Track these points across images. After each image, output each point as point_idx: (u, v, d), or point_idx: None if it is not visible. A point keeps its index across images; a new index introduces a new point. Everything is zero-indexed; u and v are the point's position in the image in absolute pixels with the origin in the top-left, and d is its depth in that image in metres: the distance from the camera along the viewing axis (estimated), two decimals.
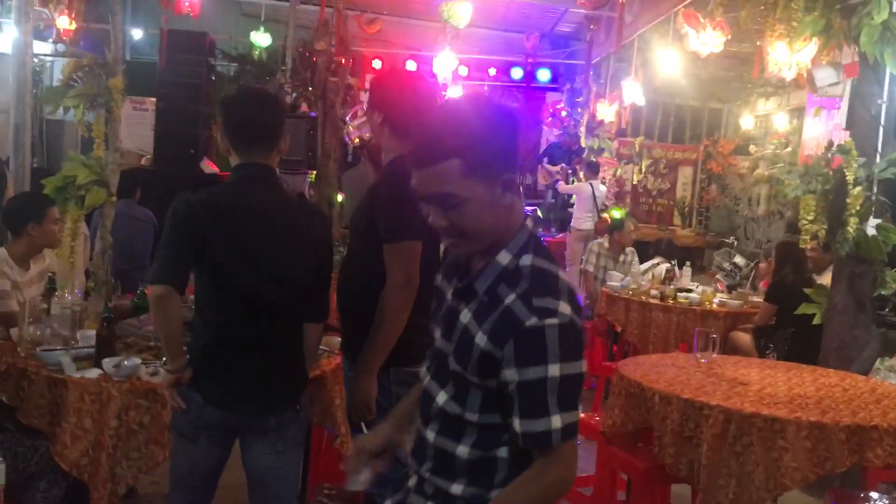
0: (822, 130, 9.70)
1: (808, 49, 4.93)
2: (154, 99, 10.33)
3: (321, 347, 3.34)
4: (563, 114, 13.13)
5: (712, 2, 6.87)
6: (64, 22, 8.94)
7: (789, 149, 11.29)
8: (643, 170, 13.34)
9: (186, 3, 6.92)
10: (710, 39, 6.73)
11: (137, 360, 2.89)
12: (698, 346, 4.02)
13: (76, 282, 4.92)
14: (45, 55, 12.21)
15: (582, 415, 4.45)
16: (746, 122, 12.81)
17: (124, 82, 4.76)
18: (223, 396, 2.45)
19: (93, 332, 3.11)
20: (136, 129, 11.74)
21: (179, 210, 2.42)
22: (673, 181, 13.79)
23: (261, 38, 10.11)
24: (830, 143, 4.43)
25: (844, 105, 5.17)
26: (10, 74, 5.21)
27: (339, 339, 3.12)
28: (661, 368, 3.80)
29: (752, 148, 12.59)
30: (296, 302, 2.52)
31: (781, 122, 11.57)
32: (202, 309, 2.49)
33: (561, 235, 12.23)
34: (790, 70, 5.37)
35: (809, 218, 4.32)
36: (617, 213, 9.75)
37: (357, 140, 5.21)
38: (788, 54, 5.05)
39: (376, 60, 14.50)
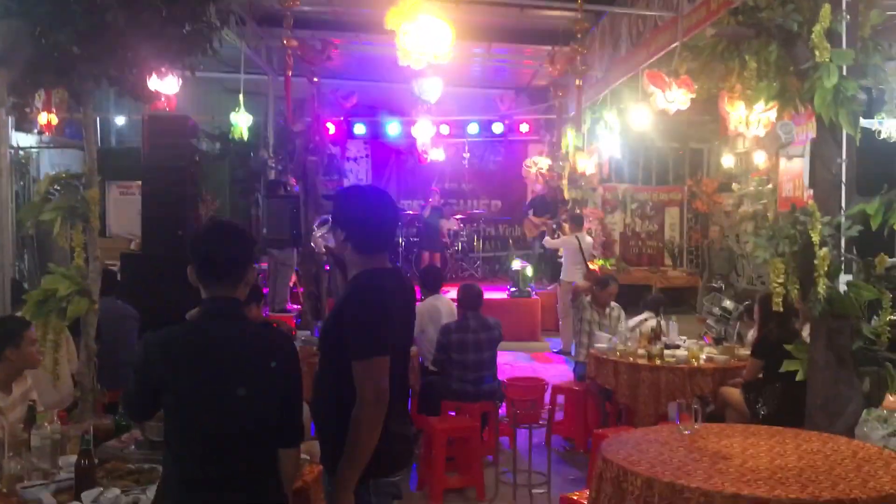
0: (797, 167, 9.86)
1: (769, 110, 5.05)
2: (140, 182, 10.43)
3: (302, 456, 3.38)
4: (544, 168, 13.30)
5: (675, 60, 7.05)
6: (44, 118, 9.14)
7: (770, 185, 11.43)
8: (630, 215, 13.48)
9: (163, 99, 7.05)
10: (676, 97, 6.88)
11: (116, 492, 2.91)
12: (680, 416, 4.06)
13: (63, 391, 4.97)
14: (31, 147, 12.40)
15: (575, 494, 4.47)
16: (727, 160, 12.97)
17: (112, 168, 4.70)
18: None
19: (75, 459, 3.13)
20: (125, 213, 11.89)
21: (139, 353, 2.50)
22: (660, 223, 13.93)
23: (240, 119, 10.28)
24: (794, 207, 4.51)
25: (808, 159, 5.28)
26: None
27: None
28: (644, 446, 3.82)
29: (734, 186, 12.74)
30: (262, 432, 2.54)
31: (761, 159, 11.72)
32: (170, 444, 2.53)
33: (552, 287, 12.30)
34: (752, 129, 5.49)
35: (780, 280, 4.39)
36: (600, 268, 9.81)
37: (323, 247, 5.31)
38: (748, 114, 5.17)
39: (358, 124, 14.74)
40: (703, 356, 6.25)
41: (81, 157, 10.75)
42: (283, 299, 10.46)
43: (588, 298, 7.50)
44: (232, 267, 2.59)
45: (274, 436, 2.58)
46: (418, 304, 7.03)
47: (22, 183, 12.01)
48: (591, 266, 10.73)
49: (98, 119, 13.24)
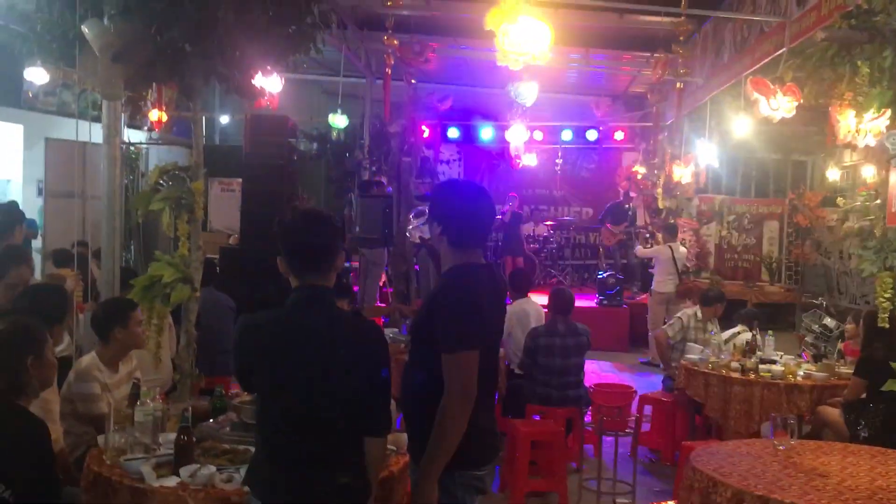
0: None
1: (880, 118, 4.84)
2: (240, 179, 10.77)
3: (389, 446, 3.42)
4: (639, 176, 13.09)
5: (781, 67, 6.83)
6: (154, 115, 9.57)
7: (879, 201, 10.91)
8: (726, 227, 13.11)
9: (266, 98, 7.29)
10: (781, 104, 6.66)
11: (212, 469, 3.02)
12: (776, 432, 3.92)
13: (163, 373, 5.19)
14: (141, 143, 13.01)
15: None
16: (832, 174, 12.45)
17: (214, 165, 4.77)
18: None
19: (174, 436, 3.27)
20: (225, 209, 12.33)
21: (235, 335, 2.61)
22: (759, 236, 13.49)
23: (338, 120, 10.52)
24: None
25: None
26: (102, 164, 5.16)
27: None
28: (735, 458, 3.72)
29: (839, 200, 12.22)
30: (349, 418, 2.58)
31: (869, 173, 11.20)
32: (259, 426, 2.62)
33: (643, 296, 12.09)
34: (863, 138, 5.28)
35: (887, 296, 4.20)
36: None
37: (418, 238, 5.38)
38: (857, 123, 4.97)
39: (452, 129, 14.85)
40: (801, 373, 6.02)
41: (187, 154, 11.20)
42: (373, 298, 10.62)
43: (692, 311, 7.29)
44: (322, 255, 2.64)
45: (360, 423, 2.61)
46: (508, 307, 7.06)
47: (131, 177, 12.62)
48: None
49: (203, 117, 13.77)
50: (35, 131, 11.81)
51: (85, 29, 4.48)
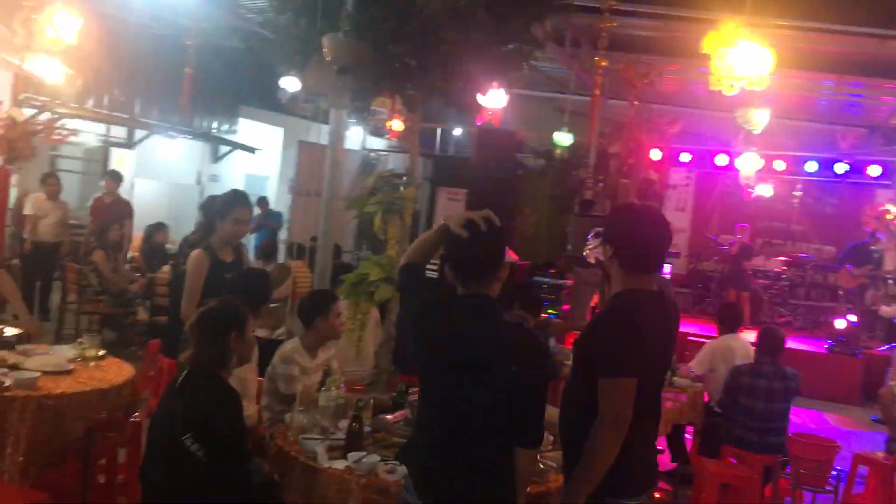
0: None
1: None
2: (466, 190, 11.18)
3: (549, 463, 3.45)
4: (889, 216, 11.85)
5: None
6: (394, 124, 10.20)
7: None
8: None
9: (490, 113, 7.54)
10: None
11: (377, 458, 3.22)
12: None
13: (364, 366, 5.55)
14: (381, 150, 13.93)
15: None
16: None
17: (444, 174, 5.08)
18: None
19: None
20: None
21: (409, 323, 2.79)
22: None
23: (563, 138, 10.57)
24: None
25: None
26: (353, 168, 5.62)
27: None
28: None
29: None
30: (500, 427, 2.61)
31: None
32: (418, 422, 2.76)
33: (886, 348, 10.96)
34: None
35: None
36: None
37: (594, 260, 5.32)
38: None
39: (684, 154, 14.37)
40: None
41: (422, 162, 11.79)
42: (582, 317, 10.55)
43: None
44: (484, 265, 2.69)
45: (510, 433, 2.64)
46: (713, 341, 6.74)
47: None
48: None
49: (440, 129, 14.48)
50: (292, 134, 13.07)
51: (324, 41, 4.92)
